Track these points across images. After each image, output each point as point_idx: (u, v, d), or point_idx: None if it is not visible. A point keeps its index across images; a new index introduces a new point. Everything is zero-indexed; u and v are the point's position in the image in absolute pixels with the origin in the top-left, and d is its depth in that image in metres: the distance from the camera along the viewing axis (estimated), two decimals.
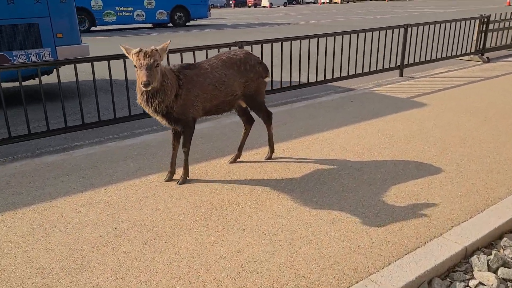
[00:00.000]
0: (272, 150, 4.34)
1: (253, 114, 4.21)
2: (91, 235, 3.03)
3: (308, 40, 6.73)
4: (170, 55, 5.35)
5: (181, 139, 3.78)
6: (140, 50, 3.19)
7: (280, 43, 6.43)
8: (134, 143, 4.88)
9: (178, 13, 22.69)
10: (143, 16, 21.52)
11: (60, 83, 4.84)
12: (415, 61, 8.43)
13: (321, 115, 5.78)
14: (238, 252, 2.81)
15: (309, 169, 4.06)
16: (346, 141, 4.79)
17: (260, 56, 6.16)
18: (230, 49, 5.91)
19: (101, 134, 5.30)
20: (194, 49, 5.54)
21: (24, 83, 7.23)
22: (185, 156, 3.80)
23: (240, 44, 5.93)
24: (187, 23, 23.42)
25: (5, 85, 6.65)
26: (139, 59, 3.17)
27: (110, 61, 5.02)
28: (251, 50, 6.16)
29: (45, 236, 3.02)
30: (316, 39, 6.81)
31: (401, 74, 8.25)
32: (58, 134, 4.86)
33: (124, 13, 21.00)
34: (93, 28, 20.98)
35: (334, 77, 7.26)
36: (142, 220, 3.22)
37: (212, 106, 3.74)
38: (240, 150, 4.28)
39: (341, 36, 7.12)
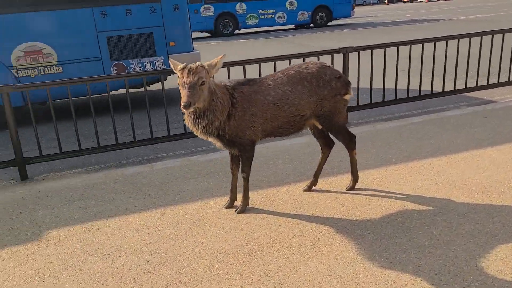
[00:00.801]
0: (355, 179, 3.64)
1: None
2: (122, 267, 2.82)
3: (433, 43, 5.69)
4: (262, 64, 4.98)
5: (240, 164, 3.36)
6: (185, 67, 2.86)
7: (396, 47, 5.54)
8: (215, 158, 4.63)
9: (320, 13, 22.25)
10: (284, 18, 21.64)
11: (128, 95, 4.78)
12: None
13: (437, 135, 4.77)
14: None
15: (394, 209, 3.27)
16: (458, 172, 3.80)
17: (369, 63, 5.42)
18: (332, 56, 5.28)
19: (188, 145, 5.19)
20: (290, 57, 5.05)
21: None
22: (245, 182, 3.37)
23: (345, 51, 5.25)
24: (328, 23, 22.82)
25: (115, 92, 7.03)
26: (183, 77, 2.84)
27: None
28: (359, 57, 5.45)
29: (80, 261, 2.91)
30: (445, 41, 5.73)
31: None
32: (144, 145, 4.85)
33: (266, 16, 21.40)
34: (236, 32, 21.86)
35: (468, 86, 6.03)
36: (179, 254, 2.91)
37: (274, 127, 3.23)
38: (316, 176, 3.69)
39: (479, 37, 5.86)
